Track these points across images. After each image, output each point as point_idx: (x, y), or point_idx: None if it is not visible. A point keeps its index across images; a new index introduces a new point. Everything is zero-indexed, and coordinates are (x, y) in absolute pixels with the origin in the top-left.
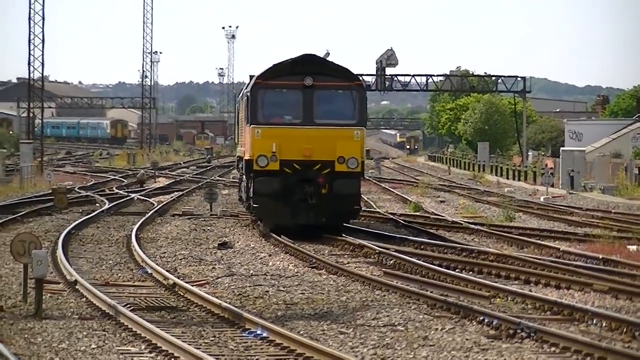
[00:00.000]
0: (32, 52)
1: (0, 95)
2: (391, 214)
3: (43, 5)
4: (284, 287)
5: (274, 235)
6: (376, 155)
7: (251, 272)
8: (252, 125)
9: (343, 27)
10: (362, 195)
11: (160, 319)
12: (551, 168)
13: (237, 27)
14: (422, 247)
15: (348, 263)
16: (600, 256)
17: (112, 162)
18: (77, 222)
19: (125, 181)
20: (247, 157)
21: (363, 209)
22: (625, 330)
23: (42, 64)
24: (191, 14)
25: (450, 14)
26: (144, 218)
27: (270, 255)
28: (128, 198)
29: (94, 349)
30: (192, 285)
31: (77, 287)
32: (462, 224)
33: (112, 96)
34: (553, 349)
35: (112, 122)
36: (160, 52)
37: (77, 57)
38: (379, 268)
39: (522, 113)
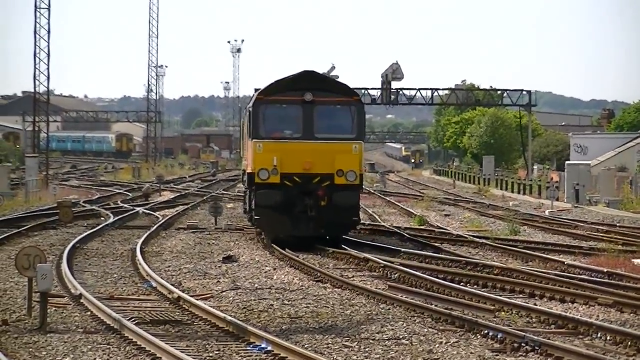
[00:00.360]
0: (37, 66)
1: (6, 109)
2: (396, 227)
3: (49, 19)
4: (288, 301)
5: (274, 246)
6: (381, 168)
7: (256, 285)
8: (254, 140)
9: (349, 41)
10: (367, 209)
11: (164, 332)
12: (556, 182)
13: (242, 40)
14: (427, 260)
15: (353, 276)
16: (605, 270)
17: (117, 176)
18: (82, 236)
19: (130, 195)
20: (249, 170)
21: (368, 222)
22: (629, 343)
23: (48, 77)
24: (196, 28)
25: (455, 28)
26: (148, 232)
27: (274, 269)
28: (133, 212)
29: None
30: (197, 299)
31: (81, 300)
32: (466, 237)
33: (118, 110)
34: None
35: (117, 136)
36: (166, 66)
37: (83, 71)
38: (383, 281)
39: (527, 127)
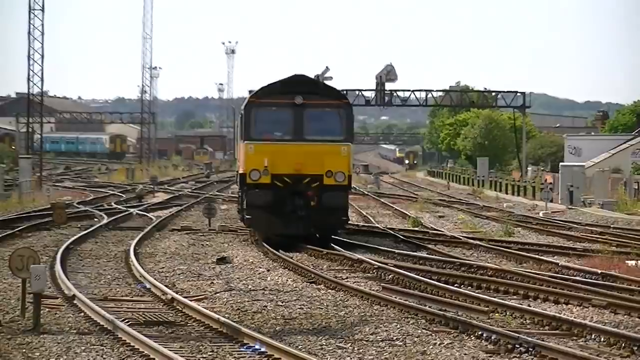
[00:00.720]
0: (31, 67)
1: (0, 110)
2: (390, 229)
3: (42, 21)
4: (282, 302)
5: (266, 246)
6: (375, 170)
7: (250, 287)
8: (245, 141)
9: (343, 42)
10: (361, 210)
11: (158, 333)
12: (550, 183)
13: (236, 42)
14: (421, 262)
15: (347, 278)
16: (599, 271)
17: (111, 177)
18: (75, 237)
19: (124, 196)
20: (241, 171)
21: (362, 224)
22: (623, 345)
23: (42, 79)
24: (191, 30)
25: (450, 30)
26: (142, 233)
27: (268, 270)
28: (127, 213)
29: None
30: (191, 300)
31: (75, 302)
32: (461, 239)
33: (111, 111)
34: None
35: (111, 137)
36: (160, 68)
37: (77, 73)
38: (377, 283)
39: (521, 128)
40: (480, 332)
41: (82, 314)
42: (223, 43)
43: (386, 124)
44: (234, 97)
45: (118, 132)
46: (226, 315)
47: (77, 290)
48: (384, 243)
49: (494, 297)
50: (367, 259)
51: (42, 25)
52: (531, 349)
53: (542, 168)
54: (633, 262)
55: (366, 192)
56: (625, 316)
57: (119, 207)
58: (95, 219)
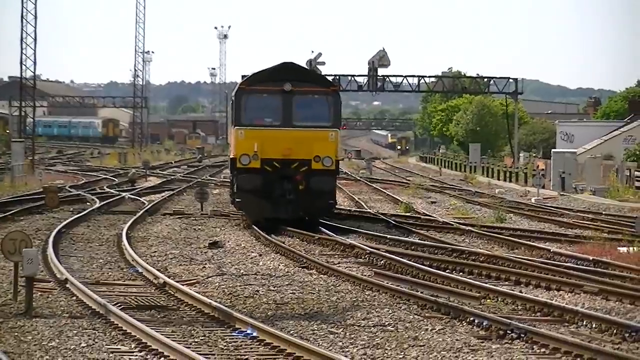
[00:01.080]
0: (24, 51)
1: None
2: (382, 214)
3: (35, 4)
4: (274, 287)
5: (256, 228)
6: (367, 155)
7: (242, 271)
8: (236, 127)
9: (335, 28)
10: (353, 196)
11: (150, 318)
12: (542, 169)
13: (229, 27)
14: (413, 247)
15: (339, 263)
16: (591, 258)
17: (103, 161)
18: (67, 221)
19: (117, 180)
20: (232, 155)
21: (354, 209)
22: (615, 331)
23: (34, 62)
24: (183, 14)
25: (442, 16)
26: (134, 217)
27: (260, 255)
28: (119, 197)
29: (84, 347)
30: (183, 285)
31: (67, 285)
32: (452, 224)
33: (104, 95)
34: (543, 350)
35: (103, 122)
36: (152, 52)
37: (69, 56)
38: (369, 268)
39: (513, 114)
40: (472, 318)
41: (75, 297)
42: (216, 28)
43: (378, 109)
44: (227, 82)
45: (110, 116)
46: (218, 300)
47: (70, 274)
48: (376, 228)
49: (486, 283)
50: (359, 244)
51: (35, 8)
52: (523, 335)
53: (534, 154)
54: (624, 249)
55: (358, 178)
56: (617, 302)
57: (111, 191)
58: (88, 203)
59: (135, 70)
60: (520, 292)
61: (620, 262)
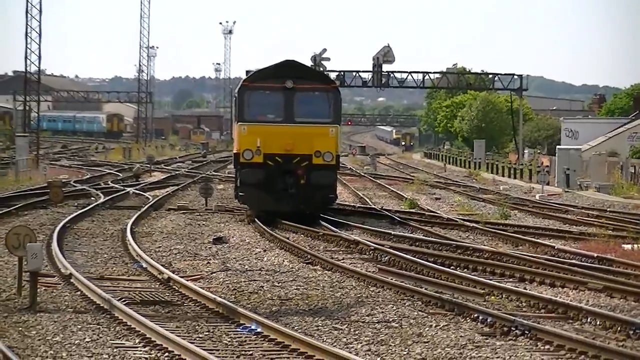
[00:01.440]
0: (28, 46)
1: None
2: (386, 210)
3: None
4: (278, 283)
5: (257, 221)
6: (372, 151)
7: (246, 267)
8: (239, 123)
9: (340, 23)
10: (357, 192)
11: (154, 313)
12: (547, 166)
13: (234, 22)
14: (417, 243)
15: (343, 259)
16: (595, 255)
17: (107, 156)
18: (72, 216)
19: (121, 175)
20: (235, 150)
21: (358, 205)
22: (619, 328)
23: (39, 57)
24: (188, 9)
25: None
26: (139, 212)
27: (265, 251)
28: (123, 192)
29: (88, 342)
30: (187, 280)
31: (71, 280)
32: (457, 221)
33: (109, 90)
34: (547, 347)
35: (108, 116)
36: (157, 47)
37: (74, 51)
38: (373, 264)
39: (518, 111)
40: (476, 315)
41: (79, 292)
42: (220, 23)
43: (383, 105)
44: (231, 77)
45: (115, 111)
46: (222, 295)
47: (74, 268)
48: (380, 224)
49: (490, 279)
50: (364, 240)
51: (40, 3)
52: (527, 332)
53: (538, 151)
54: (629, 246)
55: (362, 174)
56: (621, 300)
57: (115, 186)
58: (92, 198)
59: (139, 65)
60: (525, 288)
61: (624, 259)
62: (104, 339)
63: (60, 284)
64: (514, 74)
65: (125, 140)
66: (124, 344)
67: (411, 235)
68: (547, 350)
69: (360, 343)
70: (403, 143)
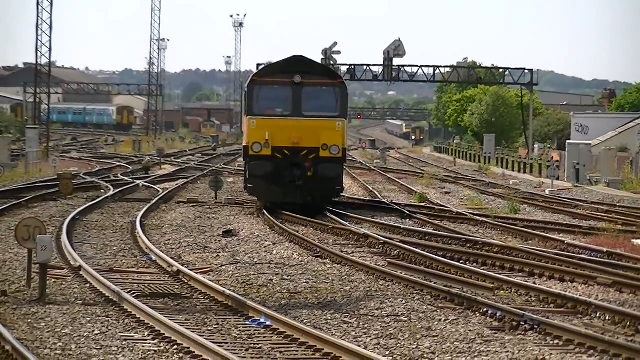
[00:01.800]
0: (39, 38)
1: (7, 80)
2: (396, 204)
3: None
4: (288, 276)
5: (269, 216)
6: (382, 145)
7: (255, 260)
8: (248, 116)
9: (351, 17)
10: (367, 185)
11: (164, 306)
12: (557, 161)
13: (244, 15)
14: (427, 237)
15: (352, 253)
16: (605, 249)
17: (117, 149)
18: (82, 208)
19: (131, 168)
20: (244, 143)
21: (368, 198)
22: (628, 323)
23: (50, 49)
24: (199, 2)
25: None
26: (148, 205)
27: (274, 244)
28: (133, 184)
29: (97, 334)
30: (196, 273)
31: (81, 272)
32: (467, 215)
33: (119, 83)
34: (556, 341)
35: (118, 109)
36: (168, 40)
37: (85, 43)
38: (383, 258)
39: (528, 106)
40: (485, 309)
41: (88, 285)
42: (231, 16)
43: (393, 99)
44: (242, 71)
45: (125, 103)
46: (232, 288)
47: (83, 261)
48: (390, 218)
49: (500, 274)
50: (373, 234)
51: None
52: (536, 327)
53: (548, 146)
54: (639, 241)
55: (372, 167)
56: (631, 295)
57: (125, 178)
58: (102, 190)
59: (150, 57)
60: (534, 283)
61: (634, 254)
62: (113, 331)
63: (69, 276)
64: (524, 69)
65: (135, 133)
66: (132, 336)
67: (421, 229)
68: (556, 345)
69: (370, 337)
70: (413, 137)
